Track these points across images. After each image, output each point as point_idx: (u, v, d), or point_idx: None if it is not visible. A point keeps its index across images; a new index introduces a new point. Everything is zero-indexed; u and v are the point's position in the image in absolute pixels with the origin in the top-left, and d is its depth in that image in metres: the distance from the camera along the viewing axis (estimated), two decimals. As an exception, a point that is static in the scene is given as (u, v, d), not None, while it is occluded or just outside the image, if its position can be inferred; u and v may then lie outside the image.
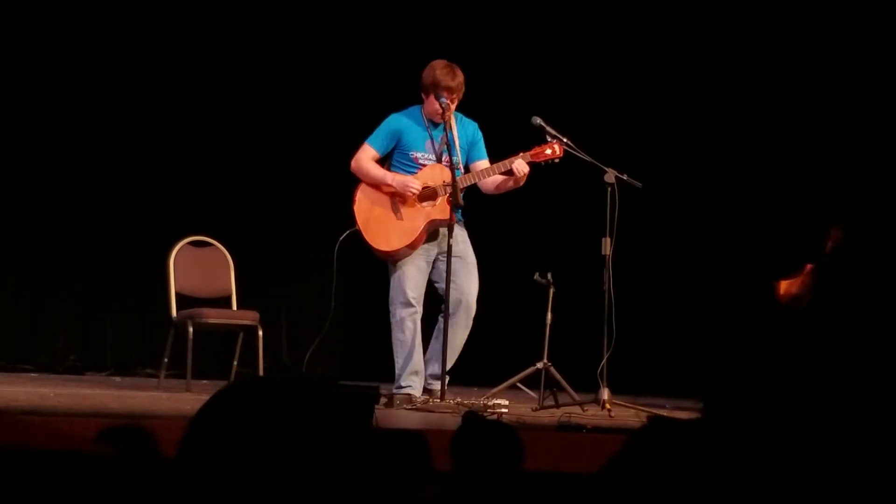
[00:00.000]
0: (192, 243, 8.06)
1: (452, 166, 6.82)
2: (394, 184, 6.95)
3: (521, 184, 6.95)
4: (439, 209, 6.91)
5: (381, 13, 9.26)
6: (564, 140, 6.97)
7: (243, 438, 1.41)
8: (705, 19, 9.24)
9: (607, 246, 6.87)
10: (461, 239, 6.99)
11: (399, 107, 7.19)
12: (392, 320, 7.02)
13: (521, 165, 6.86)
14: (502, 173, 7.00)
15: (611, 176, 6.89)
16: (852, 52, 8.95)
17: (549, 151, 6.92)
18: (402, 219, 6.97)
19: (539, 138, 7.00)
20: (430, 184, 6.95)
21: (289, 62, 9.16)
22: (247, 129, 9.09)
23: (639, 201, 7.11)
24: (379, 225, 7.00)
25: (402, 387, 6.91)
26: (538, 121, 7.00)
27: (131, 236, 8.82)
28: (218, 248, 8.12)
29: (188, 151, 8.99)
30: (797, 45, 9.08)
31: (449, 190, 6.86)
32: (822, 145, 8.93)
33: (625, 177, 6.91)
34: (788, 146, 9.07)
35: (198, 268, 8.01)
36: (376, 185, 7.04)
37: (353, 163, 7.09)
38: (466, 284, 6.96)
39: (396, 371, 7.00)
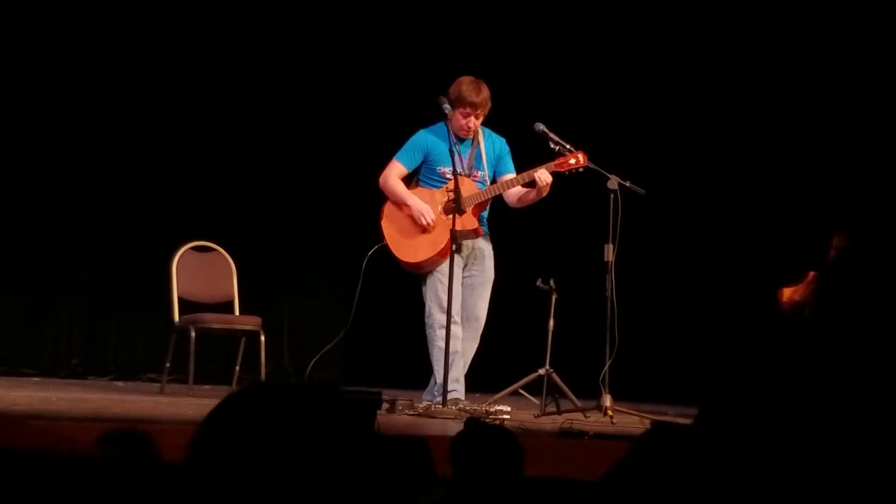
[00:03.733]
0: (195, 248, 8.06)
1: (456, 174, 6.83)
2: (412, 207, 7.04)
3: (545, 194, 6.99)
4: (462, 221, 6.94)
5: (388, 20, 9.27)
6: (568, 146, 6.97)
7: (252, 443, 1.41)
8: (709, 25, 9.24)
9: (610, 252, 6.87)
10: (487, 253, 7.11)
11: (401, 111, 7.21)
12: (429, 331, 7.03)
13: (543, 175, 6.91)
14: (525, 185, 7.04)
15: (614, 182, 6.89)
16: (856, 59, 8.94)
17: (572, 161, 6.96)
18: (427, 231, 7.03)
19: (541, 144, 7.01)
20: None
21: (291, 68, 9.16)
22: (250, 135, 9.10)
23: (642, 208, 7.11)
24: (405, 238, 7.09)
25: (447, 391, 6.87)
26: (541, 127, 7.01)
27: (134, 241, 8.82)
28: (220, 253, 8.12)
29: (191, 157, 8.99)
30: (801, 52, 9.07)
31: (474, 201, 6.94)
32: (826, 153, 8.92)
33: (628, 183, 6.91)
34: (792, 153, 9.07)
35: (200, 273, 8.01)
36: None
37: (380, 179, 7.17)
38: (478, 300, 7.08)
39: (438, 379, 6.92)
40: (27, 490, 1.57)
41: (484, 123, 7.15)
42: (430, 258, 7.02)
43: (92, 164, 8.84)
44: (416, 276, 7.19)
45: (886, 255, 1.60)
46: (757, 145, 9.16)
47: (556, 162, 6.97)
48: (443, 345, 6.84)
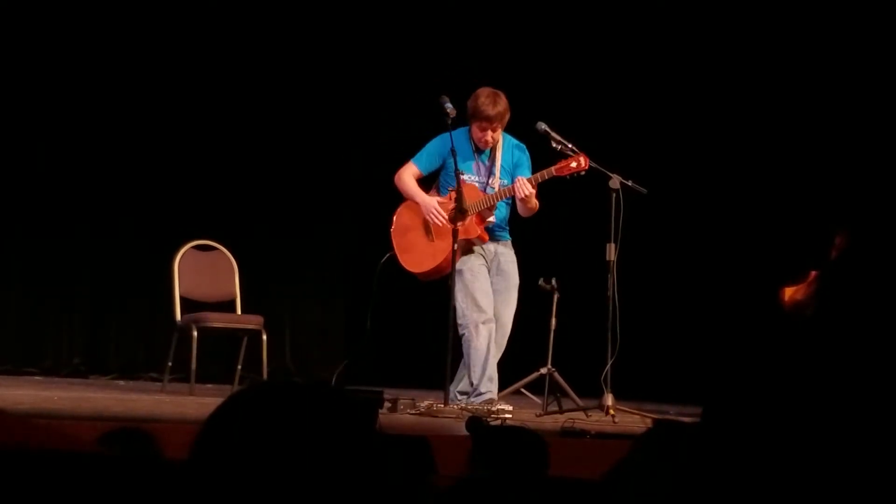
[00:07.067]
0: (197, 247, 8.06)
1: (459, 185, 6.83)
2: (422, 205, 7.03)
3: (530, 204, 6.92)
4: (467, 229, 6.92)
5: (391, 19, 9.27)
6: (570, 146, 6.96)
7: (254, 442, 1.41)
8: (710, 24, 9.24)
9: (611, 252, 6.87)
10: (509, 259, 7.09)
11: (403, 111, 7.20)
12: (464, 332, 6.92)
13: (520, 186, 6.84)
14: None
15: (615, 181, 6.89)
16: (856, 59, 8.94)
17: (573, 164, 6.91)
18: (433, 240, 7.05)
19: (544, 143, 7.00)
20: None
21: (294, 67, 9.16)
22: (252, 134, 9.10)
23: (643, 207, 7.11)
24: (411, 249, 7.09)
25: (481, 393, 6.84)
26: (543, 126, 7.01)
27: (136, 240, 8.82)
28: (222, 252, 8.12)
29: (193, 155, 8.99)
30: (801, 52, 9.07)
31: (477, 209, 6.91)
32: (827, 151, 8.92)
33: (629, 182, 6.90)
34: (793, 152, 9.06)
35: (202, 272, 8.02)
36: (410, 206, 7.10)
37: (395, 178, 7.15)
38: (504, 306, 7.03)
39: (473, 380, 6.89)
40: (30, 489, 1.57)
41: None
42: (434, 267, 7.01)
43: (94, 163, 8.84)
44: (436, 282, 7.15)
45: (888, 254, 1.60)
46: (758, 144, 9.15)
47: (557, 167, 6.93)
48: (476, 343, 6.82)
